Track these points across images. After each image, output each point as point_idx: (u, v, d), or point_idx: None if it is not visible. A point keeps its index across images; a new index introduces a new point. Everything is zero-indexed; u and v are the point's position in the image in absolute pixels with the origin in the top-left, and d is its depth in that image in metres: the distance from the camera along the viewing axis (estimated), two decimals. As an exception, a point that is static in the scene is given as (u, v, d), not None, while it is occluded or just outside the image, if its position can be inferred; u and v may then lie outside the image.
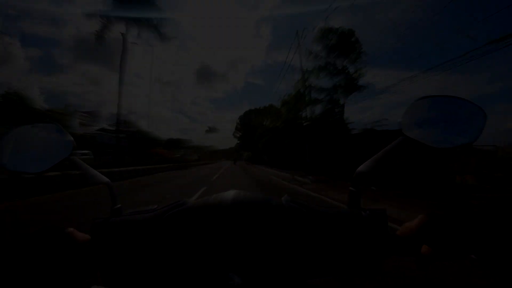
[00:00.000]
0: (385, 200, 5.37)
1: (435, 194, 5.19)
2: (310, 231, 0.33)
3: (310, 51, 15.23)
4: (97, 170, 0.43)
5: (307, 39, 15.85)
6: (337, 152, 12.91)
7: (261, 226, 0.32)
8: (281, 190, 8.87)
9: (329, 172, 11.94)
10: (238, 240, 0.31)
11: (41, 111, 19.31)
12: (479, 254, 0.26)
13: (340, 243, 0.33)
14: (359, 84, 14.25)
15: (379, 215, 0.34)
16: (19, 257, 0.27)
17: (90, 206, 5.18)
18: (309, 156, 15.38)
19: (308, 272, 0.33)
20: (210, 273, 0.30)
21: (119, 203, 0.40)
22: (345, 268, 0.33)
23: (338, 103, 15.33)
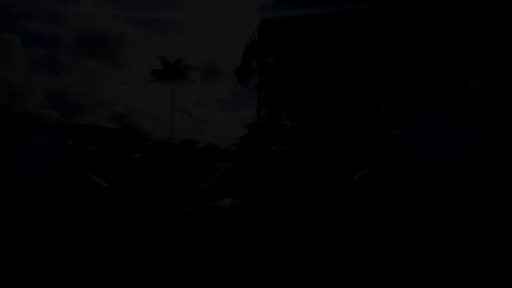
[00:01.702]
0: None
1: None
2: (304, 237, 0.34)
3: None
4: None
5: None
6: None
7: (258, 231, 0.33)
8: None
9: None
10: (235, 244, 0.32)
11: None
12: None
13: (331, 250, 0.34)
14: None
15: (371, 227, 0.35)
16: (21, 258, 0.29)
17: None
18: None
19: (302, 277, 0.33)
20: (208, 276, 0.31)
21: (118, 208, 0.42)
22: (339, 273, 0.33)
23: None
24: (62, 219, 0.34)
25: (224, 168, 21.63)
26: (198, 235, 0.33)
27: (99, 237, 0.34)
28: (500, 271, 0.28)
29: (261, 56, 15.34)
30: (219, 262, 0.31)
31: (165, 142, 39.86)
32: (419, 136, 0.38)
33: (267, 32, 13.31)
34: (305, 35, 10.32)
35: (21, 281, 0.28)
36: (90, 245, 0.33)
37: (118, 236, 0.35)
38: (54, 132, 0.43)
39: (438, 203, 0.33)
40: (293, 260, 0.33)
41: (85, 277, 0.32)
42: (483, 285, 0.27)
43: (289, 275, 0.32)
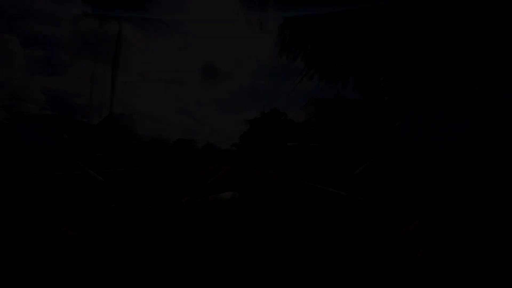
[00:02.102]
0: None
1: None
2: (307, 230, 0.33)
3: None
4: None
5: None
6: None
7: (259, 224, 0.32)
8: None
9: None
10: (237, 237, 0.31)
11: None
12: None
13: (331, 244, 0.33)
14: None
15: (375, 219, 0.35)
16: (15, 256, 0.28)
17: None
18: None
19: (305, 271, 0.32)
20: (207, 271, 0.30)
21: (113, 203, 0.40)
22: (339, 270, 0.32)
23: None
24: (54, 216, 0.35)
25: (219, 174, 14.99)
26: (198, 229, 0.32)
27: (94, 233, 0.33)
28: (503, 263, 0.28)
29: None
30: (220, 255, 0.30)
31: (153, 141, 34.94)
32: (422, 129, 0.37)
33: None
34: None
35: (13, 280, 0.26)
36: (83, 241, 0.32)
37: (113, 231, 0.33)
38: (48, 126, 0.41)
39: (443, 196, 0.33)
40: (296, 253, 0.31)
41: (79, 274, 0.30)
42: (488, 278, 0.27)
43: (291, 268, 0.31)
